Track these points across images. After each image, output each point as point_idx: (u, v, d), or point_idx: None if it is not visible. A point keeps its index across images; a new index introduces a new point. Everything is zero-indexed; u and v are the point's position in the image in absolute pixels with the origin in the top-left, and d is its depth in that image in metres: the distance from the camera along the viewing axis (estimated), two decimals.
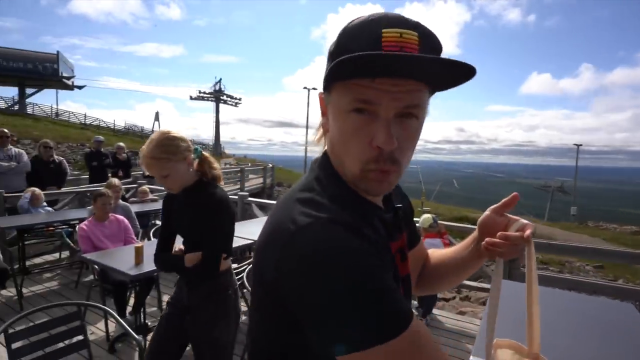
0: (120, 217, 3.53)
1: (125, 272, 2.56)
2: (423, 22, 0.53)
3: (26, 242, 4.37)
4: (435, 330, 3.37)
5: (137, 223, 4.17)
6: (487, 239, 0.69)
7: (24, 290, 3.79)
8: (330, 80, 0.55)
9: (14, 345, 1.78)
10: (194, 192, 1.72)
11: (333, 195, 0.59)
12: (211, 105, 43.55)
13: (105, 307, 2.13)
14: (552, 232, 19.23)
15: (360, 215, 0.58)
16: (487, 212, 0.74)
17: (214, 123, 42.40)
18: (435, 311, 3.69)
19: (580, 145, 34.92)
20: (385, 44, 0.50)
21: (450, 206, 28.81)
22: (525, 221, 0.68)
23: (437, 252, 0.92)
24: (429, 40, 0.53)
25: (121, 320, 2.09)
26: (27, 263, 4.41)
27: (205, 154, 1.82)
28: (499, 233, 0.68)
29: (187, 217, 1.74)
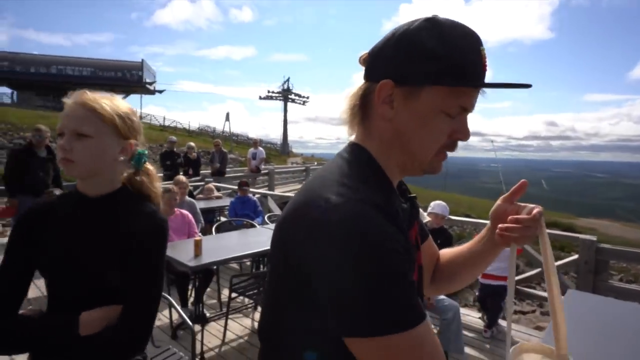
0: (185, 212, 3.76)
1: (184, 263, 2.71)
2: None
3: None
4: (503, 344, 3.09)
5: (202, 218, 4.42)
6: (499, 225, 0.74)
7: None
8: (439, 82, 0.58)
9: None
10: (114, 204, 1.03)
11: (367, 179, 0.61)
12: (279, 104, 45.10)
13: (164, 294, 2.26)
14: None
15: (390, 201, 0.61)
16: (498, 202, 0.79)
17: (282, 122, 43.81)
18: (503, 323, 3.38)
19: None
20: (483, 61, 0.60)
21: None
22: (534, 205, 0.72)
23: (449, 249, 0.93)
24: None
25: (178, 308, 2.21)
26: None
27: (149, 166, 1.17)
28: (509, 217, 0.73)
29: (92, 243, 0.98)
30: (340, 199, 0.55)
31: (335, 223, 0.53)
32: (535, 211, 0.70)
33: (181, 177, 4.73)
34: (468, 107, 0.61)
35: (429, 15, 0.60)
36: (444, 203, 3.34)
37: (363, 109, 0.65)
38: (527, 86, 0.60)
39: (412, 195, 0.76)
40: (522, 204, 0.75)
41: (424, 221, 3.00)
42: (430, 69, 0.57)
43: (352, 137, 0.69)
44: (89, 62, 34.55)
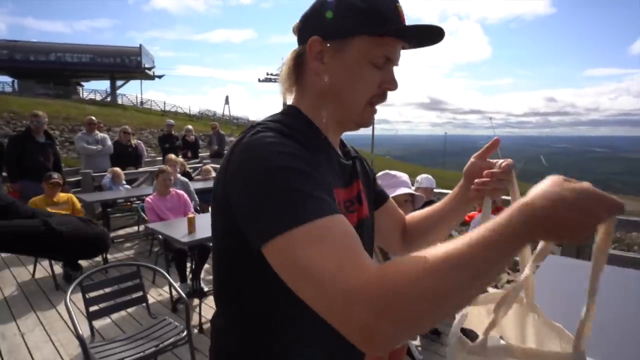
0: (181, 192, 3.87)
1: (179, 240, 2.83)
2: None
3: (110, 216, 5.03)
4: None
5: (195, 196, 4.55)
6: (475, 180, 0.78)
7: (109, 257, 4.39)
8: (363, 31, 0.63)
9: (87, 296, 2.12)
10: None
11: (292, 125, 0.66)
12: (279, 87, 44.58)
13: (157, 268, 2.40)
14: None
15: (315, 144, 0.66)
16: (471, 160, 0.82)
17: (282, 104, 43.42)
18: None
19: None
20: (400, 14, 0.66)
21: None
22: (505, 159, 0.76)
23: (419, 211, 0.97)
24: None
25: (173, 283, 2.35)
26: (112, 234, 5.08)
27: None
28: (485, 172, 0.77)
29: None
30: (248, 134, 0.62)
31: (240, 152, 0.59)
32: (504, 164, 0.74)
33: (171, 156, 4.83)
34: (392, 57, 0.66)
35: None
36: (429, 176, 3.41)
37: (297, 70, 0.70)
38: (441, 33, 0.64)
39: (355, 155, 0.82)
40: (494, 160, 0.78)
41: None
42: (353, 21, 0.63)
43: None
44: (87, 48, 34.22)
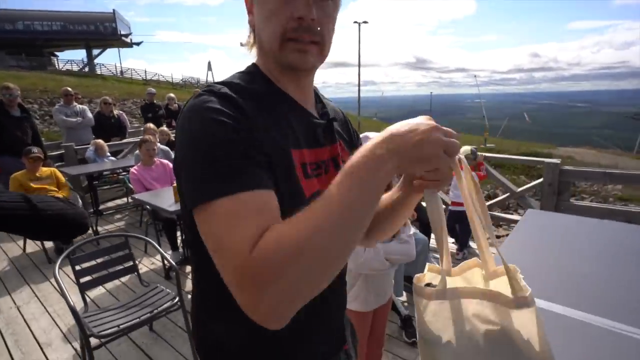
0: (165, 161, 3.82)
1: (167, 209, 2.83)
2: None
3: (98, 188, 4.98)
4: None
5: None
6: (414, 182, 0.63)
7: (99, 229, 4.39)
8: None
9: (77, 267, 2.13)
10: None
11: (245, 83, 0.64)
12: None
13: (147, 239, 2.41)
14: None
15: (269, 102, 0.64)
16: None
17: None
18: (473, 244, 3.62)
19: None
20: None
21: (520, 142, 26.62)
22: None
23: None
24: None
25: (162, 251, 2.36)
26: (102, 207, 5.05)
27: None
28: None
29: None
30: (199, 93, 0.60)
31: (184, 113, 0.59)
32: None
33: (150, 125, 4.72)
34: None
35: None
36: (465, 147, 3.42)
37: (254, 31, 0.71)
38: None
39: (332, 117, 0.76)
40: None
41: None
42: None
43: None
44: (57, 15, 32.18)
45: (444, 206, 0.67)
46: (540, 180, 3.28)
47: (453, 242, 3.63)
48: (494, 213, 3.94)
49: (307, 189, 0.64)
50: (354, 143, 0.84)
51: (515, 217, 3.97)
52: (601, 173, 3.13)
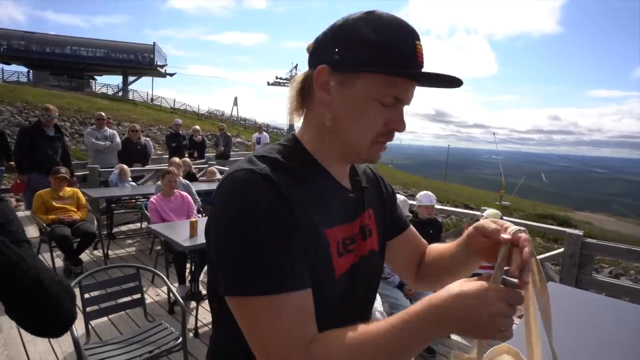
0: (185, 193, 3.88)
1: (180, 243, 2.83)
2: None
3: (114, 212, 5.06)
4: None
5: (198, 198, 4.56)
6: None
7: (110, 252, 4.41)
8: (372, 69, 0.60)
9: (86, 295, 2.12)
10: None
11: (287, 159, 0.64)
12: (288, 90, 44.82)
13: (156, 271, 2.40)
14: None
15: (310, 180, 0.65)
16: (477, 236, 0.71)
17: (288, 125, 43.59)
18: None
19: None
20: (418, 54, 0.61)
21: (535, 202, 26.20)
22: (519, 227, 0.61)
23: (438, 246, 0.89)
24: None
25: (170, 285, 2.34)
26: (115, 230, 5.10)
27: None
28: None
29: None
30: (241, 169, 0.60)
31: (224, 189, 0.59)
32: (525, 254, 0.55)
33: (175, 159, 4.85)
34: (402, 98, 0.62)
35: (370, 9, 0.63)
36: (429, 192, 3.39)
37: (303, 94, 0.68)
38: (458, 83, 0.60)
39: (364, 186, 0.77)
40: (507, 224, 0.64)
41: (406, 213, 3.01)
42: (363, 55, 0.59)
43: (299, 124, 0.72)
44: (102, 43, 34.77)
45: None
46: (561, 250, 3.18)
47: None
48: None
49: (338, 267, 0.65)
50: (385, 202, 0.85)
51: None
52: (626, 250, 3.02)
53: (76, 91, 27.24)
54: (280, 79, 44.33)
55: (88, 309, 2.11)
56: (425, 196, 3.33)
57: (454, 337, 3.00)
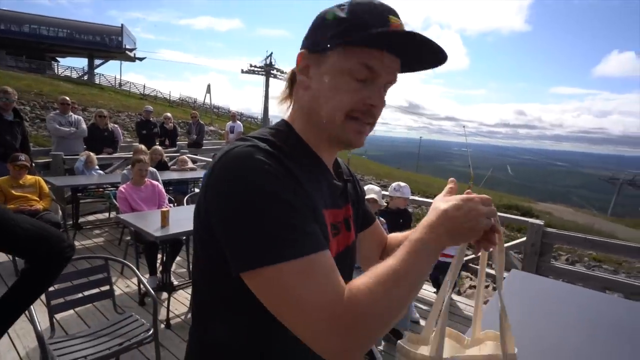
0: (155, 182, 3.78)
1: (151, 233, 2.76)
2: None
3: (80, 201, 4.86)
4: (455, 316, 3.31)
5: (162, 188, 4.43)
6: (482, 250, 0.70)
7: (76, 243, 4.24)
8: (333, 40, 0.61)
9: (50, 288, 2.04)
10: None
11: (283, 142, 0.64)
12: (262, 79, 44.17)
13: (126, 262, 2.34)
14: (614, 229, 17.69)
15: (305, 163, 0.65)
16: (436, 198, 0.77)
17: (264, 97, 43.05)
18: (455, 297, 3.61)
19: None
20: (392, 26, 0.61)
21: (501, 193, 27.33)
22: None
23: (396, 235, 0.95)
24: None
25: (141, 276, 2.30)
26: (81, 220, 4.91)
27: None
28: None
29: None
30: (239, 146, 0.60)
31: (224, 166, 0.58)
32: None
33: (141, 146, 4.71)
34: (373, 66, 0.61)
35: None
36: (408, 186, 3.47)
37: (292, 85, 0.71)
38: (440, 55, 0.61)
39: (348, 178, 0.80)
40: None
41: (378, 202, 3.08)
42: (332, 31, 0.61)
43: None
44: (65, 23, 32.73)
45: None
46: (524, 239, 3.36)
47: (434, 292, 3.62)
48: (475, 266, 3.97)
49: (333, 248, 0.66)
50: (360, 200, 0.87)
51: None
52: (582, 239, 3.22)
53: (36, 73, 25.64)
54: (255, 67, 43.52)
55: (53, 302, 2.03)
56: (406, 188, 3.40)
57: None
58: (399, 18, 0.63)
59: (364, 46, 0.60)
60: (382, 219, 3.15)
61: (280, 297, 0.54)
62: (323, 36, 0.63)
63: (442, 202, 0.61)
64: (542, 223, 3.31)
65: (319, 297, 0.53)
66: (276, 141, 0.63)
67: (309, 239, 0.55)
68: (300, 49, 0.67)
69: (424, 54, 0.62)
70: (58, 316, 2.54)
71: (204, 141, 9.20)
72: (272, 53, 42.90)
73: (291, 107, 0.72)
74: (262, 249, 0.53)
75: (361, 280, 0.56)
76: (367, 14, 0.60)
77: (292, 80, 0.71)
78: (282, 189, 0.56)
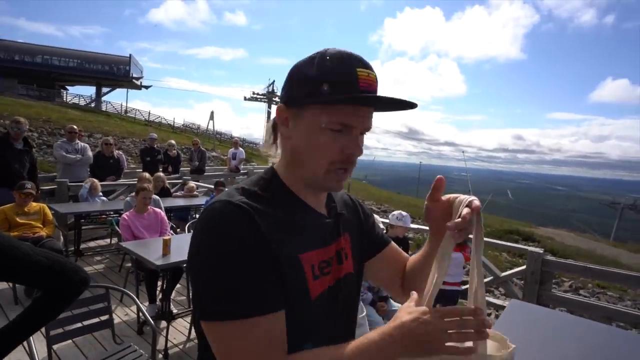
0: (158, 210, 3.83)
1: (152, 262, 2.79)
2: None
3: (82, 227, 4.90)
4: None
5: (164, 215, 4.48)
6: (448, 224, 0.64)
7: None
8: (310, 101, 0.66)
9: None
10: None
11: (264, 188, 0.70)
12: (264, 105, 44.98)
13: (126, 290, 2.35)
14: (617, 254, 17.40)
15: (286, 209, 0.69)
16: (425, 204, 0.77)
17: (266, 123, 43.52)
18: None
19: None
20: (360, 80, 0.64)
21: (502, 218, 27.15)
22: (463, 195, 0.70)
23: (416, 256, 0.92)
24: (376, 77, 0.69)
25: (140, 304, 2.31)
26: (82, 246, 4.93)
27: None
28: (462, 215, 0.65)
29: None
30: (218, 201, 0.65)
31: (201, 220, 0.64)
32: (474, 205, 0.64)
33: (144, 174, 4.79)
34: (348, 123, 0.66)
35: (324, 47, 0.69)
36: (409, 215, 3.52)
37: (275, 131, 0.76)
38: (410, 105, 0.65)
39: (339, 212, 0.82)
40: (452, 195, 0.73)
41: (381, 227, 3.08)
42: (305, 90, 0.66)
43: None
44: (76, 53, 33.85)
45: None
46: (524, 267, 3.35)
47: None
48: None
49: (314, 290, 0.69)
50: (362, 225, 0.90)
51: (496, 301, 3.96)
52: (582, 267, 3.22)
53: (46, 101, 26.29)
54: (257, 94, 44.42)
55: (52, 332, 2.03)
56: (407, 218, 3.45)
57: None
58: (367, 68, 0.66)
59: (338, 104, 0.65)
60: None
61: (217, 351, 0.60)
62: (297, 93, 0.67)
63: (401, 313, 0.60)
64: (541, 251, 3.31)
65: None
66: (258, 190, 0.69)
67: (253, 303, 0.58)
68: (280, 101, 0.72)
69: (395, 102, 0.66)
70: (55, 347, 2.52)
71: (207, 167, 9.31)
72: (274, 81, 43.77)
73: (279, 151, 0.77)
74: (206, 305, 0.59)
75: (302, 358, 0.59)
76: (336, 70, 0.64)
77: (274, 127, 0.76)
78: (236, 251, 0.60)
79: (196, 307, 0.62)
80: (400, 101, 0.65)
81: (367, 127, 0.69)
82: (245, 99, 44.46)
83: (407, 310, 0.59)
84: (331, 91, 0.63)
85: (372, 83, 0.66)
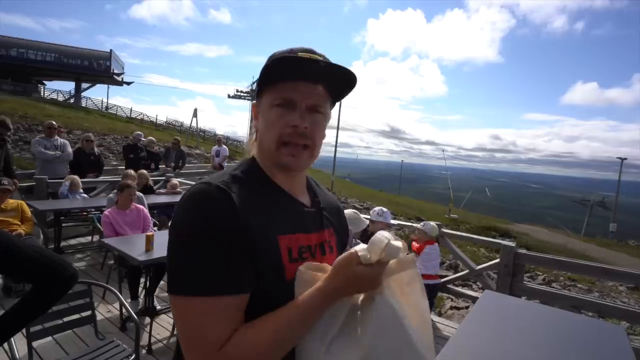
0: (140, 206, 3.82)
1: (135, 258, 2.79)
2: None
3: (63, 225, 4.83)
4: (435, 338, 3.38)
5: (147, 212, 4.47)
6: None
7: None
8: (261, 86, 0.77)
9: None
10: None
11: (244, 172, 0.76)
12: (248, 103, 44.65)
13: (108, 286, 2.36)
14: (586, 248, 18.18)
15: (263, 191, 0.75)
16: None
17: (249, 121, 43.31)
18: (436, 318, 3.69)
19: (625, 159, 31.58)
20: (295, 59, 0.71)
21: (480, 215, 27.84)
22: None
23: None
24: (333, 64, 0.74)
25: (123, 301, 2.32)
26: (63, 244, 4.86)
27: None
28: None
29: None
30: (198, 183, 0.70)
31: (179, 203, 0.69)
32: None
33: (130, 171, 4.77)
34: (291, 97, 0.73)
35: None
36: (389, 212, 3.63)
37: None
38: (348, 74, 0.73)
39: (322, 206, 0.87)
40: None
41: (362, 227, 3.19)
42: (260, 81, 0.76)
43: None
44: (53, 47, 32.72)
45: None
46: (497, 260, 3.50)
47: None
48: (454, 288, 4.08)
49: (290, 272, 0.71)
50: (343, 233, 0.94)
51: (472, 293, 4.12)
52: (552, 260, 3.39)
53: (22, 96, 25.45)
54: (241, 92, 44.06)
55: (31, 329, 2.02)
56: (387, 214, 3.55)
57: None
58: (312, 52, 0.75)
59: (279, 82, 0.73)
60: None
61: (178, 324, 0.64)
62: (258, 87, 0.78)
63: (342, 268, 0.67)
64: (514, 245, 3.47)
65: (199, 341, 0.61)
66: (239, 174, 0.75)
67: (222, 280, 0.62)
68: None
69: (334, 78, 0.74)
70: (35, 344, 2.50)
71: (190, 164, 9.23)
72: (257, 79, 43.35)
73: None
74: (172, 279, 0.64)
75: (248, 336, 0.62)
76: (281, 55, 0.73)
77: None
78: (210, 229, 0.63)
79: (167, 280, 0.66)
80: (338, 71, 0.72)
81: (311, 103, 0.74)
82: (229, 96, 44.07)
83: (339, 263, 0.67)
84: (273, 72, 0.73)
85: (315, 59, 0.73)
